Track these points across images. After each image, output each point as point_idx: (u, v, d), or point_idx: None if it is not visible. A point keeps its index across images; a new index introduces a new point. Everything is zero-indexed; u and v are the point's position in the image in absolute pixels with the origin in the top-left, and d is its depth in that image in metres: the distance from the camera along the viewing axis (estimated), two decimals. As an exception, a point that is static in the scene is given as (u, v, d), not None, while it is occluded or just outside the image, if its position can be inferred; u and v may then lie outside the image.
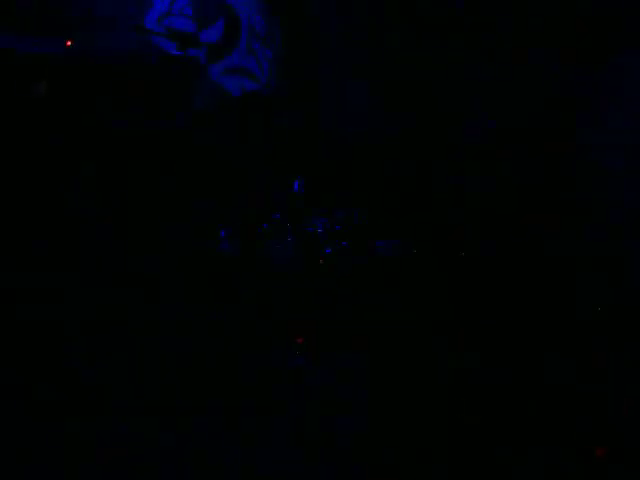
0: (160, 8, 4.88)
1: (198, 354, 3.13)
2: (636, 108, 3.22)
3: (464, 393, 2.38)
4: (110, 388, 2.71)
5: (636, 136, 3.19)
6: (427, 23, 3.44)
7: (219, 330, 3.17)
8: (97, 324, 3.08)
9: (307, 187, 4.05)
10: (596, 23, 3.31)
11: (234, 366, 3.00)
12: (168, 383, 2.72)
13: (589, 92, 3.34)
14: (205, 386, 2.82)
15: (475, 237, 3.24)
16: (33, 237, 3.31)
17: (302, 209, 3.82)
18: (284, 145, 4.19)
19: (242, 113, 3.44)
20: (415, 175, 3.40)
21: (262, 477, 1.97)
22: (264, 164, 4.00)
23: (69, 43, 2.38)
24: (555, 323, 2.69)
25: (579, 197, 3.34)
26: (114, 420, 2.33)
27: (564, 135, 3.52)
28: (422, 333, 2.76)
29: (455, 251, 3.20)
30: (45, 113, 2.57)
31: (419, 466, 1.98)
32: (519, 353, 2.56)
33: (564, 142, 3.52)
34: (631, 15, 3.26)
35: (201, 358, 3.09)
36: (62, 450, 2.04)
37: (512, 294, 2.89)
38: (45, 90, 2.46)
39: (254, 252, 3.49)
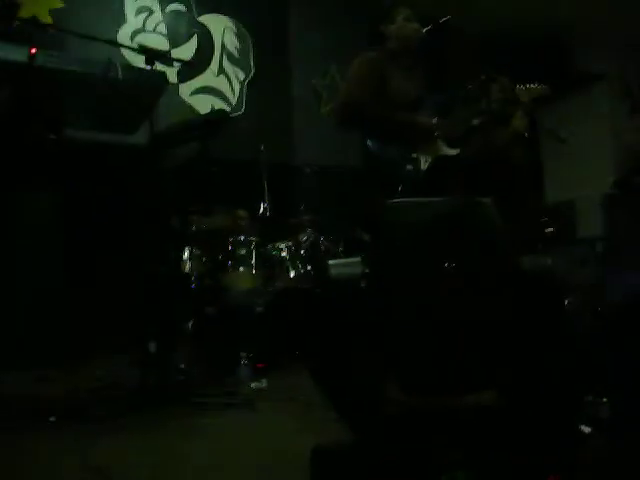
0: (134, 24, 4.82)
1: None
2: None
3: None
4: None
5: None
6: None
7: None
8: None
9: (272, 211, 4.09)
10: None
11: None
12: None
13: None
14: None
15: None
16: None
17: (267, 233, 3.83)
18: (249, 168, 4.23)
19: (209, 134, 3.39)
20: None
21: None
22: (228, 187, 4.01)
23: (33, 51, 2.29)
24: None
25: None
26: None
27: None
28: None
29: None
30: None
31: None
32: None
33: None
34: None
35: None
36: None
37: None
38: (6, 98, 2.38)
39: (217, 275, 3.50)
